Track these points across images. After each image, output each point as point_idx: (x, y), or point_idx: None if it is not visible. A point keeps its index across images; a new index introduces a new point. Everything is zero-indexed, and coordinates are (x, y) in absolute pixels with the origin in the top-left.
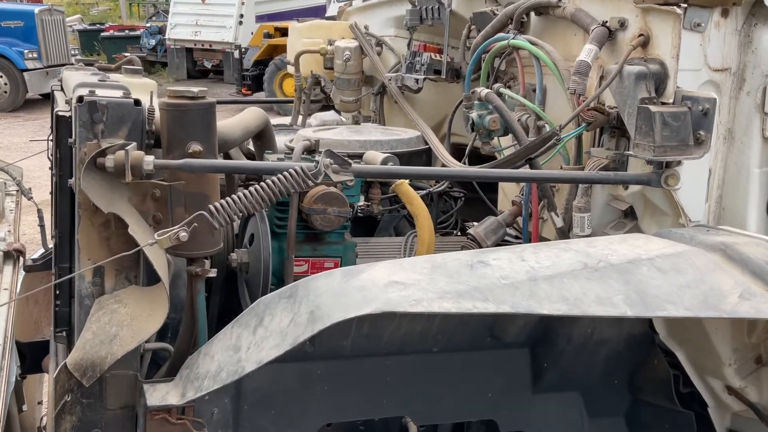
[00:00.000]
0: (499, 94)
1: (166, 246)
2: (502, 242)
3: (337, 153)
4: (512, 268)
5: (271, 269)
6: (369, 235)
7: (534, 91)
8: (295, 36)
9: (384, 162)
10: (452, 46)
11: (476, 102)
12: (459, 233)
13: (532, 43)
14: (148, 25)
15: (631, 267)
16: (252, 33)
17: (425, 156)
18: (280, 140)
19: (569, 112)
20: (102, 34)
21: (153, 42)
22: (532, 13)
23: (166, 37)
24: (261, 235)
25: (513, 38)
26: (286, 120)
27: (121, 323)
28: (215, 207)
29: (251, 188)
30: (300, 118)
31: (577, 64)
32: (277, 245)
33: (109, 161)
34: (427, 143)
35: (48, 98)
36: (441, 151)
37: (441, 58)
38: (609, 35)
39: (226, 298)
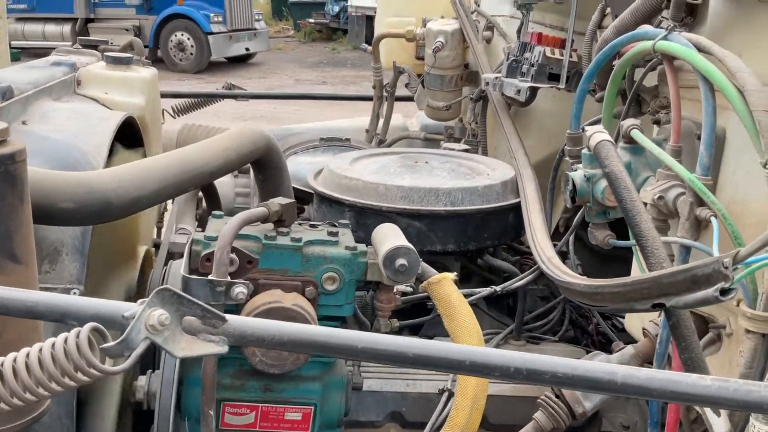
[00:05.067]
0: (630, 141)
1: None
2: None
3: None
4: None
5: (187, 410)
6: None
7: (699, 138)
8: (382, 11)
9: (389, 259)
10: (581, 33)
11: (585, 151)
12: (571, 328)
13: (700, 49)
14: None
15: None
16: None
17: (512, 217)
18: (321, 165)
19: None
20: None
21: (336, 8)
22: None
23: (348, 3)
24: (165, 355)
25: (662, 37)
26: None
27: None
28: None
29: None
30: (380, 122)
31: None
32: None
33: None
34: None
35: (230, 61)
36: (532, 217)
37: (561, 55)
38: None
39: None
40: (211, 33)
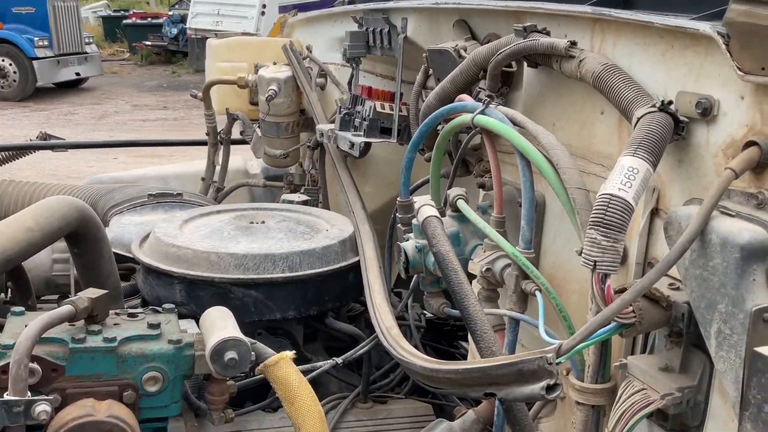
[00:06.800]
0: (457, 210)
1: None
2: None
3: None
4: None
5: None
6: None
7: (521, 205)
8: (211, 58)
9: (217, 353)
10: (410, 82)
11: (416, 222)
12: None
13: (515, 123)
14: (171, 13)
15: None
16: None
17: (352, 276)
18: (148, 227)
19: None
20: (124, 21)
21: (175, 31)
22: (524, 64)
23: (187, 26)
24: None
25: (480, 111)
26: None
27: None
28: None
29: None
30: (217, 170)
31: (600, 204)
32: None
33: None
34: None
35: (60, 87)
36: (371, 278)
37: (392, 109)
38: (676, 132)
39: None
40: (36, 58)
